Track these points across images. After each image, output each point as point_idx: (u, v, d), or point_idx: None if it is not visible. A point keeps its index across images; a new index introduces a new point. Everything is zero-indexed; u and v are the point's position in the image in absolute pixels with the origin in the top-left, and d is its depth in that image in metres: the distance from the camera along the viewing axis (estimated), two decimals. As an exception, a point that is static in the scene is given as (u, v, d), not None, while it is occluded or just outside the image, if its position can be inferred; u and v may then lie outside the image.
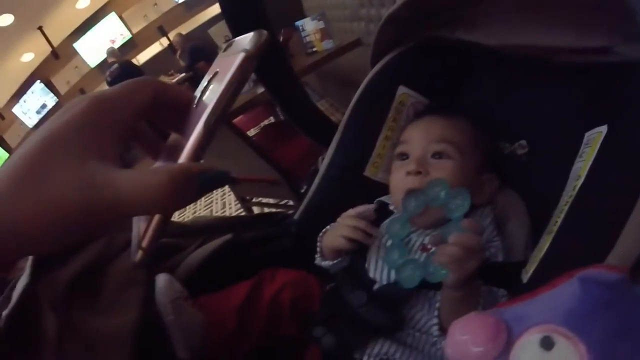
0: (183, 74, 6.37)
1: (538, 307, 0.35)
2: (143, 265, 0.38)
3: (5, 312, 0.56)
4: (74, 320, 0.65)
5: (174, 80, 6.30)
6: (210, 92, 0.40)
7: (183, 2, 8.44)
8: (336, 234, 0.82)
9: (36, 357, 0.59)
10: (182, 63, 6.49)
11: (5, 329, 0.55)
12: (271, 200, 2.72)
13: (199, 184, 0.35)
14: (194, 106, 0.41)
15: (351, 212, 0.85)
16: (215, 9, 7.24)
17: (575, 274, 0.34)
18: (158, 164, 0.43)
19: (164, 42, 8.48)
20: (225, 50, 0.44)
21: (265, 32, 0.40)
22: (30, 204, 0.30)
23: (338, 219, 0.86)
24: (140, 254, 0.38)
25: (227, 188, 3.36)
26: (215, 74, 0.42)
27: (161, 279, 0.77)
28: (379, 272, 0.79)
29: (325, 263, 0.86)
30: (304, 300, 0.86)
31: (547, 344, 0.32)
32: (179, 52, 6.58)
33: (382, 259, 0.80)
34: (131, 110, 0.37)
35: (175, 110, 0.42)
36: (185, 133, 0.39)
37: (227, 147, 2.02)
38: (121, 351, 0.65)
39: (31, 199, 0.30)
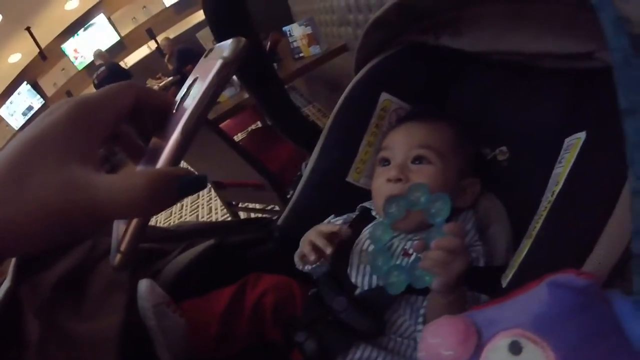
0: (171, 78, 6.36)
1: (508, 311, 0.36)
2: (122, 268, 0.38)
3: None
4: (57, 325, 0.64)
5: (161, 84, 6.28)
6: (189, 98, 0.41)
7: (172, 6, 8.43)
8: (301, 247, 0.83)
9: None
10: (170, 66, 6.47)
11: None
12: (257, 206, 2.72)
13: (176, 188, 0.35)
14: (174, 111, 0.42)
15: (321, 226, 0.84)
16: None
17: (544, 279, 0.34)
18: (139, 167, 0.43)
19: (153, 45, 8.46)
20: (206, 56, 0.45)
21: (243, 39, 0.41)
22: (12, 205, 0.31)
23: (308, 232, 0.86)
24: (118, 257, 0.38)
25: (213, 193, 3.35)
26: (195, 79, 0.42)
27: (143, 284, 0.77)
28: (360, 277, 0.80)
29: (306, 268, 0.86)
30: (287, 305, 0.86)
31: (515, 348, 0.33)
32: (167, 56, 6.56)
33: (364, 265, 0.80)
34: (112, 114, 0.38)
35: (156, 115, 0.42)
36: (165, 137, 0.39)
37: (214, 152, 2.02)
38: (105, 356, 0.65)
39: (12, 201, 0.31)
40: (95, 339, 0.66)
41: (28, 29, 8.48)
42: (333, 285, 0.80)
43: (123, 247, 0.38)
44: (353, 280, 0.80)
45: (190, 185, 0.36)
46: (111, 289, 0.73)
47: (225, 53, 0.40)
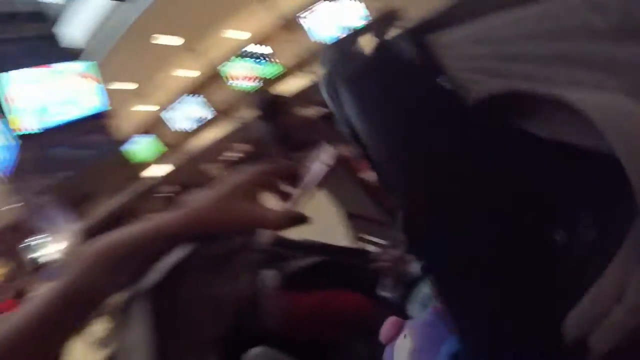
0: (321, 108, 6.68)
1: (416, 321, 0.64)
2: (263, 248, 0.70)
3: (155, 277, 0.68)
4: (206, 286, 0.80)
5: (313, 113, 6.62)
6: (311, 169, 0.66)
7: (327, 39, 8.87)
8: None
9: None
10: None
11: (153, 292, 0.68)
12: (380, 240, 2.80)
13: (293, 221, 0.62)
14: (304, 170, 0.65)
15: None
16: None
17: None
18: (281, 205, 0.69)
19: (310, 76, 8.96)
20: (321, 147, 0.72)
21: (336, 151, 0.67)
22: (221, 214, 0.60)
23: None
24: (262, 244, 0.69)
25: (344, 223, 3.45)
26: (315, 164, 0.68)
27: (271, 273, 1.06)
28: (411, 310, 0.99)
29: (384, 294, 1.10)
30: (357, 316, 1.10)
31: (400, 337, 0.63)
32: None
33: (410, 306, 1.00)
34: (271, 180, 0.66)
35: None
36: (296, 186, 0.64)
37: (344, 186, 2.25)
38: (230, 313, 0.81)
39: (221, 212, 0.60)
40: (229, 299, 0.82)
41: (202, 50, 9.56)
42: (394, 310, 0.99)
43: (264, 241, 0.70)
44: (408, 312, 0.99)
45: (301, 222, 0.63)
46: (247, 268, 0.95)
47: (328, 160, 0.69)
